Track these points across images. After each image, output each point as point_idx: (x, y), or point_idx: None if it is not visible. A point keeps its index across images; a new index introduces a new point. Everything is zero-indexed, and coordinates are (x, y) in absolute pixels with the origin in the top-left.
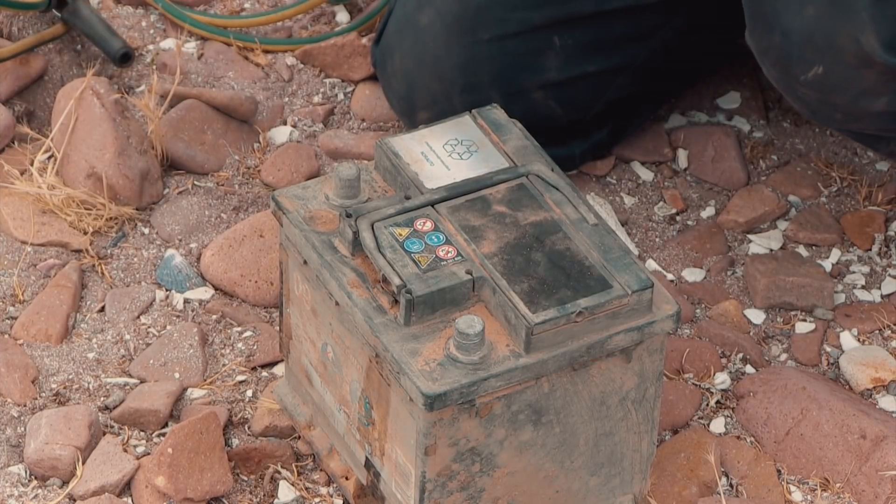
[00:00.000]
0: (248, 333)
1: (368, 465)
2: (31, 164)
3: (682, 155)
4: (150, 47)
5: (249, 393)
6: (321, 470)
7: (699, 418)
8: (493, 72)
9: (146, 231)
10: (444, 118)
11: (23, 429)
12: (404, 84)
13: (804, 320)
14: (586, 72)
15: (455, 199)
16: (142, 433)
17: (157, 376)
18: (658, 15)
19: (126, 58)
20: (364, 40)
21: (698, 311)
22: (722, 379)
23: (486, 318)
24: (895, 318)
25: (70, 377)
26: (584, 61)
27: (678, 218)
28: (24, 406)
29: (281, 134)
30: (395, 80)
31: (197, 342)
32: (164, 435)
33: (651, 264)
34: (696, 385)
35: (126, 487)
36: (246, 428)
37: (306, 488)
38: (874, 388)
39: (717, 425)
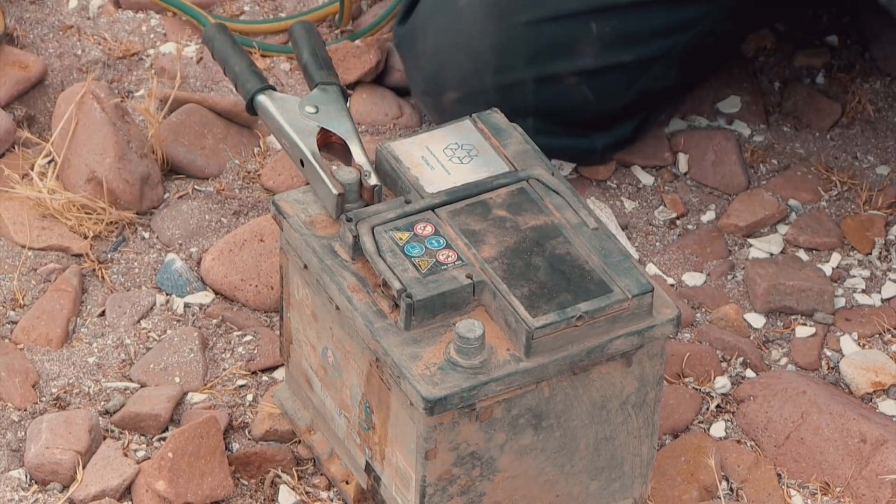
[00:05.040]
0: (248, 338)
1: (369, 469)
2: (32, 169)
3: (682, 159)
4: (150, 51)
5: (250, 397)
6: (321, 474)
7: (699, 422)
8: (528, 55)
9: (146, 235)
10: (473, 99)
11: (23, 433)
12: (435, 63)
13: (804, 324)
14: (622, 61)
15: (455, 203)
16: (142, 437)
17: (157, 381)
18: (698, 6)
19: None
20: (357, 42)
21: (698, 315)
22: (722, 383)
23: (487, 323)
24: (895, 322)
25: (70, 381)
26: (621, 50)
27: (678, 222)
28: (25, 410)
29: None
30: (424, 59)
31: (197, 346)
32: (164, 439)
33: (651, 268)
34: (697, 389)
35: (126, 492)
36: (246, 432)
37: (307, 492)
38: (874, 392)
39: (718, 429)
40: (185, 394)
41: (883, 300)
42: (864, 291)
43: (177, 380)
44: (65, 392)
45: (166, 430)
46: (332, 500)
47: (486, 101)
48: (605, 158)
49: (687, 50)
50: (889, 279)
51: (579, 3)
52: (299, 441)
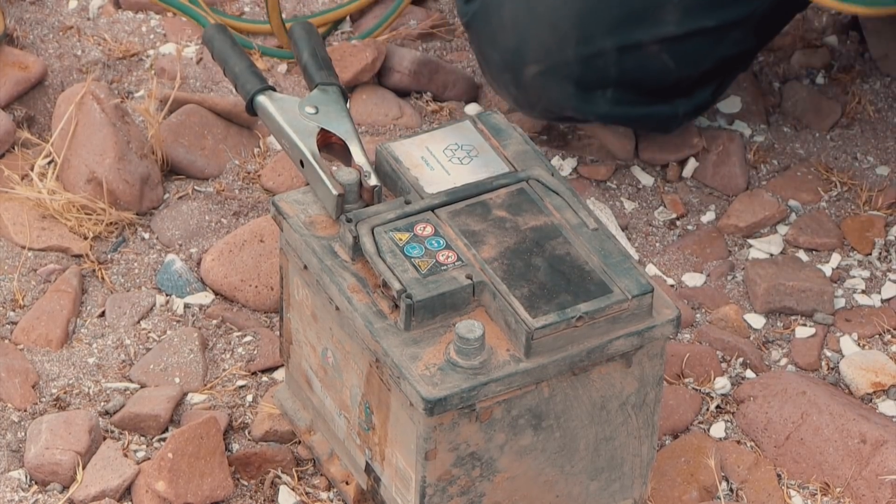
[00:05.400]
0: (248, 338)
1: (369, 469)
2: (32, 169)
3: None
4: (150, 52)
5: (250, 398)
6: (321, 475)
7: (699, 423)
8: (610, 24)
9: (146, 236)
10: (555, 71)
11: (23, 434)
12: (514, 37)
13: (804, 325)
14: (704, 27)
15: (455, 203)
16: (142, 438)
17: (157, 381)
18: None
19: None
20: (354, 41)
21: (698, 315)
22: (722, 384)
23: (487, 323)
24: (895, 323)
25: (70, 382)
26: (703, 16)
27: (678, 223)
28: (25, 411)
29: None
30: (503, 34)
31: (197, 347)
32: (164, 440)
33: (651, 269)
34: (697, 390)
35: (126, 492)
36: (246, 433)
37: (306, 493)
38: (874, 392)
39: (718, 430)
40: (185, 394)
41: (883, 300)
42: (863, 292)
43: (177, 380)
44: (65, 392)
45: (166, 430)
46: (332, 501)
47: (568, 73)
48: (684, 124)
49: (765, 13)
50: (889, 280)
51: None
52: (299, 442)
